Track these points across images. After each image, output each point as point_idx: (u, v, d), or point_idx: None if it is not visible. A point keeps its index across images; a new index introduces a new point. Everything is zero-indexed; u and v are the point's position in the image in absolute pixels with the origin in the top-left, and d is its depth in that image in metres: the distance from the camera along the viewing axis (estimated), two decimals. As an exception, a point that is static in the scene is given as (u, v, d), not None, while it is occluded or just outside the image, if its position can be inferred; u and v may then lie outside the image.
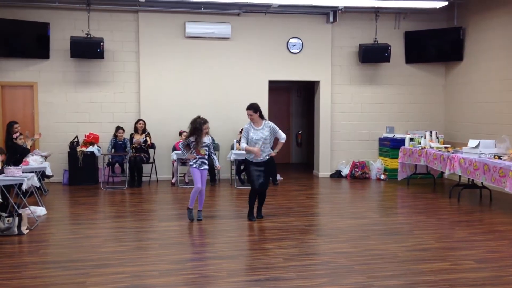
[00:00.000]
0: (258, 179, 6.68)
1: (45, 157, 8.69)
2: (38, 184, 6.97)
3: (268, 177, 6.87)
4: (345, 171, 10.83)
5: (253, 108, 6.68)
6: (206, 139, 6.79)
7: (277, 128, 6.81)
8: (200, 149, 6.71)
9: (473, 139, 8.21)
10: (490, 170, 7.23)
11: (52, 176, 8.88)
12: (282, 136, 6.81)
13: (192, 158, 6.75)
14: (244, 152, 6.83)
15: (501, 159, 7.22)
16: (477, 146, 7.87)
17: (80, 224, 6.70)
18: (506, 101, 9.17)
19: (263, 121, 6.75)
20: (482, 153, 7.69)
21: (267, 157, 6.72)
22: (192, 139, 6.70)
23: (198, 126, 6.65)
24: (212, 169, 9.87)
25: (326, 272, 4.71)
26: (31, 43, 9.76)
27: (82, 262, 5.00)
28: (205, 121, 6.74)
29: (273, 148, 6.92)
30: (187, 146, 6.78)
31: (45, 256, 5.26)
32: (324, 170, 11.03)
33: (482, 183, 7.95)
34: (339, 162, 11.02)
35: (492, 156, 7.45)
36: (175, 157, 9.61)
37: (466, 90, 10.40)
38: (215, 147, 10.04)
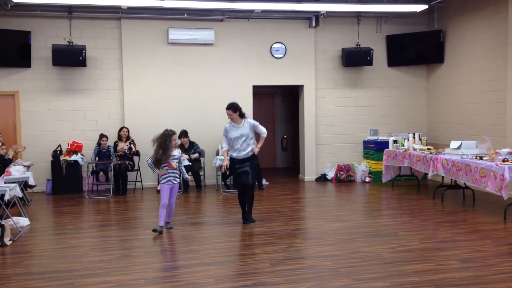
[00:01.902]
0: (239, 175, 6.76)
1: (28, 167, 8.60)
2: (20, 194, 6.89)
3: (253, 172, 6.84)
4: (331, 174, 10.88)
5: (233, 107, 6.74)
6: (176, 152, 6.65)
7: (257, 124, 6.86)
8: (171, 162, 6.55)
9: (455, 140, 8.32)
10: (471, 170, 7.33)
11: (35, 186, 8.78)
12: (263, 131, 6.87)
13: (164, 174, 6.58)
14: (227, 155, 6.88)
15: (482, 159, 7.32)
16: (459, 147, 7.97)
17: (64, 234, 6.63)
18: (486, 102, 9.31)
19: (243, 119, 6.79)
20: (464, 154, 7.79)
21: (250, 153, 6.76)
22: (161, 152, 6.49)
23: (167, 139, 6.48)
24: (197, 175, 9.86)
25: (312, 276, 4.73)
26: (12, 52, 9.66)
27: (67, 272, 4.94)
28: (173, 133, 6.59)
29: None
30: (158, 161, 6.55)
31: (29, 267, 5.19)
32: (309, 174, 11.07)
33: (464, 183, 8.05)
34: (324, 166, 11.07)
35: (474, 157, 7.56)
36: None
37: (448, 91, 10.54)
38: (200, 153, 10.03)
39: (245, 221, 6.91)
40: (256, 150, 6.83)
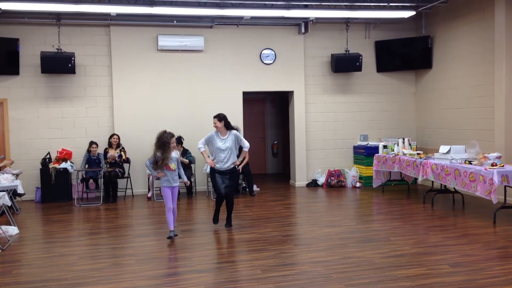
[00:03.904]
0: (221, 186, 6.92)
1: (17, 175, 8.51)
2: (9, 203, 6.82)
3: (233, 184, 7.08)
4: (321, 180, 10.90)
5: (219, 117, 6.91)
6: (174, 154, 6.65)
7: (241, 137, 7.02)
8: (170, 164, 6.54)
9: (444, 145, 8.39)
10: (460, 175, 7.39)
11: (24, 194, 8.70)
12: (246, 144, 7.03)
13: (163, 176, 6.56)
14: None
15: (471, 164, 7.38)
16: (448, 152, 8.04)
17: (54, 242, 6.57)
18: (473, 107, 9.40)
19: (228, 131, 6.91)
20: (453, 159, 7.85)
21: (232, 166, 6.91)
22: (159, 154, 6.49)
23: (166, 140, 6.48)
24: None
25: (304, 282, 4.72)
26: (0, 59, 9.58)
27: (56, 281, 4.90)
28: (172, 135, 6.60)
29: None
30: (156, 163, 6.53)
31: (19, 276, 5.13)
32: (300, 179, 11.08)
33: (454, 188, 8.11)
34: (315, 171, 11.09)
35: (463, 161, 7.62)
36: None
37: (436, 97, 10.63)
38: (190, 160, 10.00)
39: (214, 221, 7.15)
40: (237, 163, 7.02)
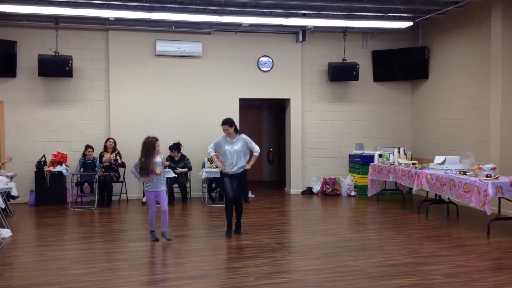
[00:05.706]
0: (232, 189, 6.82)
1: (11, 177, 8.48)
2: (3, 205, 6.80)
3: (242, 188, 6.97)
4: (316, 188, 10.91)
5: (228, 122, 6.83)
6: (159, 158, 6.65)
7: (251, 141, 6.94)
8: (155, 169, 6.53)
9: (439, 155, 8.41)
10: (455, 185, 7.41)
11: (18, 196, 8.67)
12: (256, 149, 6.94)
13: (149, 181, 6.56)
14: (215, 167, 6.88)
15: (466, 175, 7.41)
16: (443, 162, 8.07)
17: (47, 246, 6.53)
18: (469, 118, 9.45)
19: (237, 135, 6.86)
20: (448, 169, 7.87)
21: (241, 169, 6.82)
22: (143, 160, 6.50)
23: (150, 146, 6.52)
24: (183, 187, 9.82)
25: (297, 290, 4.72)
26: (-3, 61, 9.58)
27: (49, 285, 4.87)
28: (156, 139, 6.62)
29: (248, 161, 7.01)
30: (142, 169, 6.53)
31: (11, 279, 5.09)
32: (295, 187, 11.08)
33: (448, 198, 8.12)
34: (310, 179, 11.09)
35: (458, 172, 7.64)
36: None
37: (432, 107, 10.68)
38: (190, 167, 9.97)
39: (228, 234, 6.88)
40: (248, 167, 6.92)
